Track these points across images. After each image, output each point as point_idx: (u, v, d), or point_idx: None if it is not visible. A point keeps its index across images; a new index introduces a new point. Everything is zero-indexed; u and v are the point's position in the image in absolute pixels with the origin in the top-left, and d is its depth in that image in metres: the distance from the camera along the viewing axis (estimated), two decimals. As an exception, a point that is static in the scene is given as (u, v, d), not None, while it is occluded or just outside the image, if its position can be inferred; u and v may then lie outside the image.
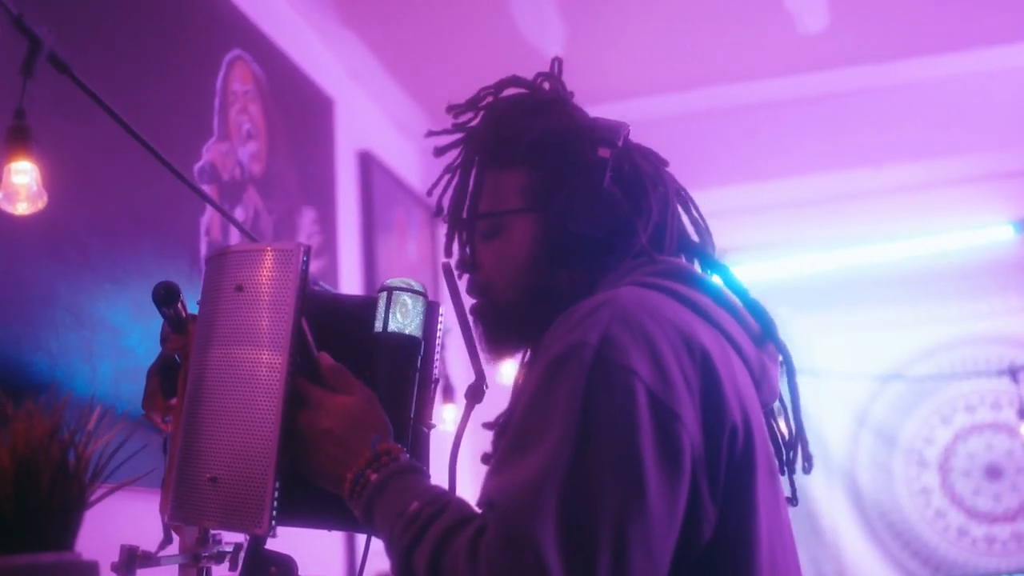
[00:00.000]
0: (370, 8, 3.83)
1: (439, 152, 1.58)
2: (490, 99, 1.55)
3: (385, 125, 4.51)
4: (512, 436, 1.22)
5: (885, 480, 5.07)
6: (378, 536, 1.33)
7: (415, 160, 4.69)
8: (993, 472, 4.99)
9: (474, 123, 1.54)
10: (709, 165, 4.70)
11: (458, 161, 1.54)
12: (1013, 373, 4.64)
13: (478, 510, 1.24)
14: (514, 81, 1.56)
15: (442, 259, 1.53)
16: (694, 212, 1.56)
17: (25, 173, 1.72)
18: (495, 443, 1.50)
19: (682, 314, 1.31)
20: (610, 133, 1.46)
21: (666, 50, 4.35)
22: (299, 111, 3.52)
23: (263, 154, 3.17)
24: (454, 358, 3.34)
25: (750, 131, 4.74)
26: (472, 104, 1.56)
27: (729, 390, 1.27)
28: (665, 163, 1.55)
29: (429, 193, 1.60)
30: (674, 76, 4.58)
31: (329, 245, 3.64)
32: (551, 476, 1.13)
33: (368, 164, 4.17)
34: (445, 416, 3.82)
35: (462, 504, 1.27)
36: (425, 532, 1.22)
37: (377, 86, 4.33)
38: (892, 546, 5.01)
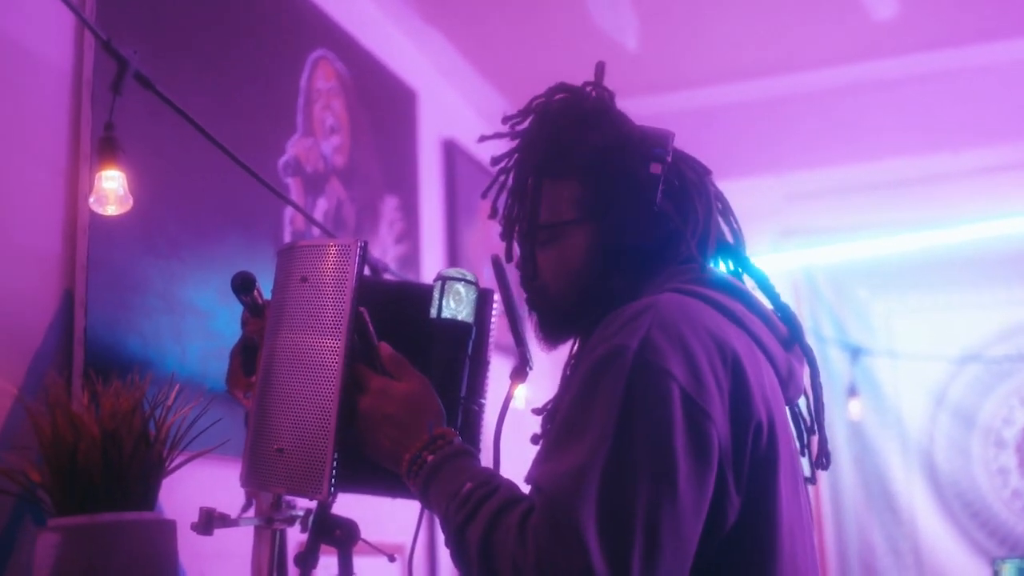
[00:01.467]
0: (451, 4, 3.93)
1: (495, 161, 1.69)
2: (541, 107, 1.64)
3: (468, 114, 4.56)
4: (559, 428, 1.34)
5: (962, 460, 5.04)
6: (432, 512, 1.45)
7: (497, 147, 4.70)
8: (1070, 453, 4.96)
9: (528, 131, 1.64)
10: (786, 149, 4.74)
11: (511, 166, 1.66)
12: (1091, 354, 4.60)
13: (525, 492, 1.36)
14: (562, 88, 1.65)
15: (490, 256, 1.66)
16: (731, 218, 1.66)
17: (113, 179, 1.92)
18: (544, 426, 1.64)
19: (716, 320, 1.42)
20: (659, 146, 1.54)
21: (739, 38, 4.38)
22: (382, 104, 3.62)
23: (346, 146, 3.29)
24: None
25: (825, 115, 4.74)
26: (526, 113, 1.66)
27: (756, 391, 1.38)
28: (708, 171, 1.64)
29: (484, 195, 1.71)
30: (749, 63, 4.61)
31: (412, 231, 3.72)
32: (592, 466, 1.24)
33: (452, 152, 4.23)
34: (516, 394, 3.88)
35: (511, 486, 1.38)
36: (478, 511, 1.32)
37: (459, 77, 4.41)
38: (969, 526, 4.98)
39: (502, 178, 1.68)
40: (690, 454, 1.27)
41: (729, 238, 1.66)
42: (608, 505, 1.22)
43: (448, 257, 4.13)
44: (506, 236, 1.66)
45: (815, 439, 1.64)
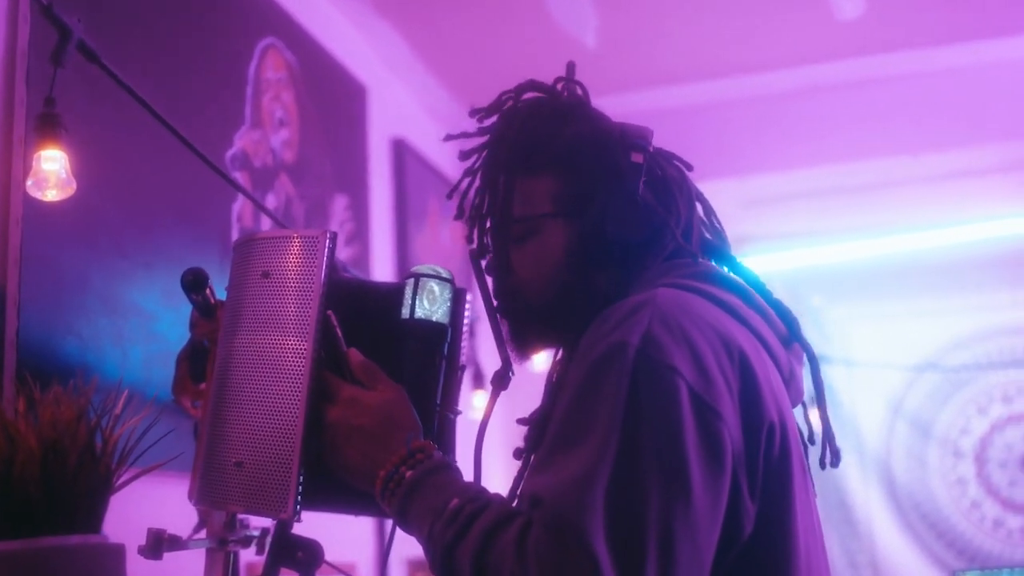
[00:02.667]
0: (404, -4, 3.84)
1: (465, 156, 1.59)
2: (511, 103, 1.56)
3: (419, 113, 4.51)
4: (556, 434, 1.24)
5: (920, 471, 5.05)
6: (410, 532, 1.34)
7: (449, 147, 4.67)
8: (1030, 463, 4.97)
9: (497, 127, 1.55)
10: (744, 152, 4.69)
11: (480, 165, 1.56)
12: (1052, 363, 4.61)
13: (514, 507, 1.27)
14: (533, 85, 1.57)
15: (468, 252, 1.56)
16: (713, 218, 1.59)
17: (54, 160, 1.74)
18: (528, 438, 1.51)
19: (718, 315, 1.34)
20: (640, 138, 1.47)
21: (701, 37, 4.33)
22: (332, 99, 3.53)
23: (295, 141, 3.19)
24: (485, 345, 3.35)
25: (785, 118, 4.70)
26: (494, 109, 1.57)
27: (766, 390, 1.29)
28: (689, 167, 1.57)
29: (450, 196, 1.61)
30: (709, 63, 4.56)
31: (361, 232, 3.65)
32: (599, 472, 1.15)
33: (401, 152, 4.17)
34: (475, 403, 3.83)
35: (503, 501, 1.29)
36: (468, 529, 1.22)
37: (411, 74, 4.33)
38: (927, 537, 4.99)
39: (469, 178, 1.58)
40: (703, 457, 1.19)
41: (712, 237, 1.58)
42: (617, 515, 1.13)
43: (398, 260, 4.07)
44: (477, 235, 1.56)
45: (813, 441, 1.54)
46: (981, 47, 4.45)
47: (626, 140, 1.47)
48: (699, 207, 1.55)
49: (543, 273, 1.48)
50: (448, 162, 4.65)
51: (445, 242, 4.47)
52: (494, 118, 1.56)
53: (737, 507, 1.23)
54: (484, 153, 1.55)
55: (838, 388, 5.10)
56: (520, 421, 1.56)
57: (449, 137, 1.65)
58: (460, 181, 1.59)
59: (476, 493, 1.29)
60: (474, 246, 1.54)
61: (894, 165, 4.70)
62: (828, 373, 4.98)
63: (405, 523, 1.34)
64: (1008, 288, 5.02)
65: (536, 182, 1.49)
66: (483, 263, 1.55)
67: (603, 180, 1.46)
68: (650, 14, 4.11)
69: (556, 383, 1.51)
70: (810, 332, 4.58)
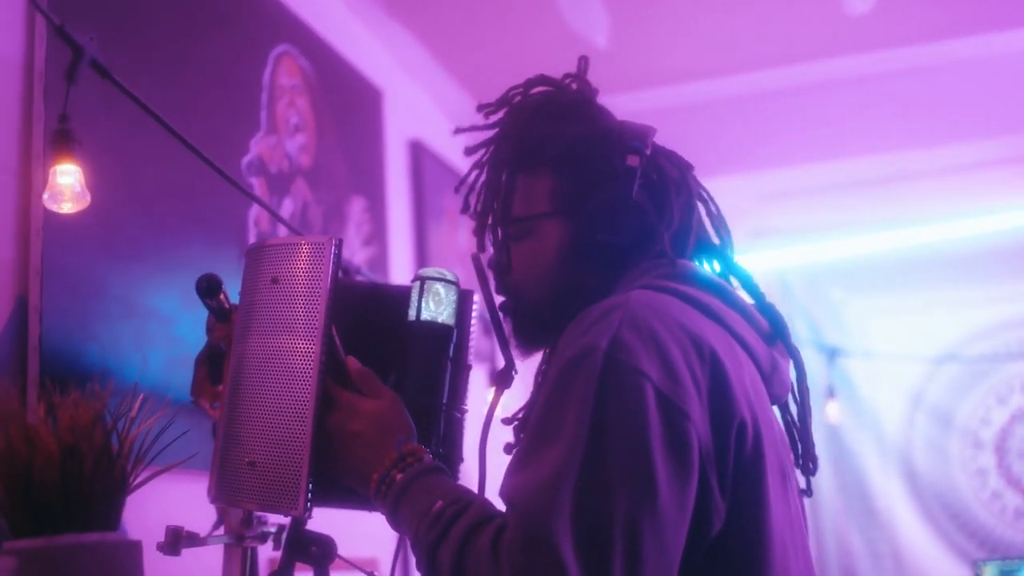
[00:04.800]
0: (418, 0, 3.86)
1: (470, 152, 1.62)
2: (519, 99, 1.58)
3: (435, 114, 4.50)
4: (529, 436, 1.27)
5: (941, 462, 5.03)
6: (403, 534, 1.38)
7: (470, 141, 4.65)
8: (1051, 454, 4.95)
9: (504, 123, 1.57)
10: (760, 148, 4.69)
11: (486, 159, 1.58)
12: (1071, 352, 4.58)
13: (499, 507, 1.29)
14: (542, 81, 1.59)
15: (471, 256, 1.57)
16: (716, 215, 1.60)
17: (69, 175, 1.79)
18: (516, 436, 1.56)
19: (690, 315, 1.35)
20: (638, 140, 1.48)
21: (713, 34, 4.33)
22: (347, 103, 3.54)
23: (311, 146, 3.21)
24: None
25: (799, 113, 4.69)
26: (502, 104, 1.59)
27: (737, 388, 1.31)
28: (690, 167, 1.57)
29: (457, 189, 1.64)
30: (721, 60, 4.55)
31: (379, 233, 3.66)
32: (565, 476, 1.18)
33: (418, 153, 4.18)
34: (490, 400, 3.82)
35: (484, 503, 1.31)
36: (449, 531, 1.26)
37: (426, 76, 4.34)
38: (948, 527, 4.97)
39: (475, 172, 1.61)
40: (668, 457, 1.20)
41: (712, 237, 1.60)
42: (584, 517, 1.16)
43: (417, 259, 4.08)
44: (479, 231, 1.58)
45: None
46: (993, 39, 4.42)
47: (623, 142, 1.48)
48: (700, 207, 1.56)
49: (537, 273, 1.51)
50: (465, 163, 4.65)
51: (462, 242, 4.48)
52: (502, 113, 1.59)
53: (707, 504, 1.24)
54: (491, 148, 1.58)
55: (858, 380, 5.10)
56: (505, 421, 1.60)
57: (459, 130, 1.68)
58: (467, 174, 1.61)
59: (459, 495, 1.32)
60: (479, 257, 1.55)
61: (911, 158, 4.69)
62: (848, 366, 5.01)
63: (396, 524, 1.39)
64: (1027, 279, 5.00)
65: (536, 180, 1.51)
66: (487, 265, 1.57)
67: (598, 182, 1.48)
68: (661, 12, 4.11)
69: (541, 382, 1.54)
70: (830, 325, 4.61)
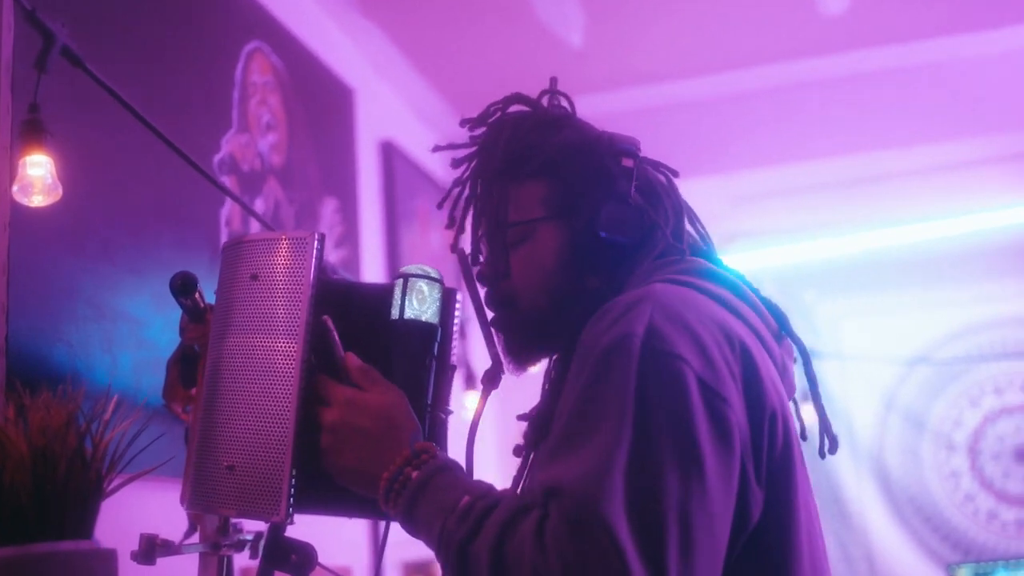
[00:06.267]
0: (390, -2, 3.82)
1: (456, 164, 1.59)
2: (499, 114, 1.57)
3: (407, 115, 4.49)
4: (565, 427, 1.24)
5: (913, 464, 5.05)
6: (417, 534, 1.33)
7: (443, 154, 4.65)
8: (1023, 455, 4.95)
9: (486, 137, 1.56)
10: (733, 149, 4.68)
11: (468, 175, 1.57)
12: (1043, 354, 4.60)
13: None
14: (520, 99, 1.58)
15: (459, 247, 1.55)
16: (697, 224, 1.60)
17: (40, 166, 1.73)
18: (528, 435, 1.51)
19: (714, 308, 1.35)
20: (629, 144, 1.50)
21: (687, 35, 4.32)
22: (319, 102, 3.51)
23: (283, 145, 3.17)
24: (477, 346, 3.34)
25: (775, 114, 4.69)
26: (482, 119, 1.58)
27: (767, 379, 1.30)
28: (675, 173, 1.58)
29: (440, 206, 1.62)
30: (697, 60, 4.55)
31: (351, 235, 3.62)
32: (615, 460, 1.15)
33: (390, 154, 4.15)
34: (467, 403, 3.82)
35: (514, 496, 1.28)
36: (482, 524, 1.22)
37: (398, 76, 4.32)
38: (921, 530, 4.98)
39: (458, 189, 1.59)
40: (714, 442, 1.20)
41: (698, 241, 1.59)
42: (637, 501, 1.14)
43: (389, 261, 4.05)
44: (471, 244, 1.56)
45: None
46: (968, 39, 4.45)
47: (615, 146, 1.49)
48: (687, 215, 1.56)
49: (536, 277, 1.49)
50: (437, 164, 4.64)
51: (434, 244, 4.46)
52: (481, 129, 1.57)
53: (746, 493, 1.24)
54: (473, 163, 1.56)
55: (831, 383, 5.09)
56: (520, 417, 1.56)
57: (437, 148, 1.67)
58: (450, 190, 1.59)
59: (486, 490, 1.29)
60: (465, 253, 1.54)
61: (882, 159, 4.70)
62: (821, 368, 5.00)
63: (412, 524, 1.33)
64: (998, 280, 5.02)
65: (525, 188, 1.50)
66: (475, 272, 1.55)
67: (594, 183, 1.48)
68: (636, 13, 4.09)
69: (555, 381, 1.51)
70: (802, 327, 4.59)
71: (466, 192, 1.57)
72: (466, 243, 1.58)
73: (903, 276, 5.10)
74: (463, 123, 1.60)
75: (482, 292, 1.54)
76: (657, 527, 1.13)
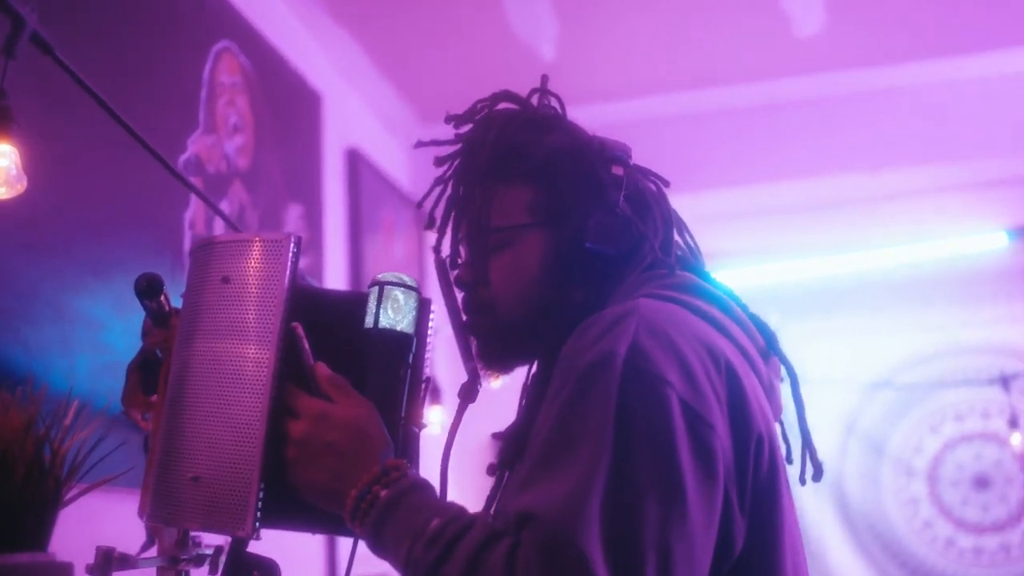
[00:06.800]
0: (360, 4, 3.77)
1: (440, 162, 1.53)
2: (487, 111, 1.51)
3: (373, 123, 4.45)
4: (542, 448, 1.18)
5: (873, 489, 5.04)
6: (384, 555, 1.27)
7: (403, 160, 4.64)
8: (982, 482, 4.97)
9: (473, 135, 1.50)
10: (700, 168, 4.66)
11: (451, 174, 1.51)
12: (1004, 382, 4.62)
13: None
14: (508, 96, 1.53)
15: (432, 256, 1.50)
16: (686, 235, 1.55)
17: (4, 156, 1.65)
18: (503, 453, 1.45)
19: (700, 326, 1.30)
20: (620, 150, 1.45)
21: (659, 51, 4.31)
22: (287, 106, 3.46)
23: (250, 148, 3.11)
24: (441, 358, 3.28)
25: (741, 134, 4.69)
26: (469, 116, 1.52)
27: (753, 401, 1.26)
28: (666, 183, 1.53)
29: (419, 205, 1.56)
30: (667, 77, 4.54)
31: (315, 243, 3.58)
32: (592, 487, 1.10)
33: (356, 162, 4.11)
34: (432, 419, 3.76)
35: (486, 520, 1.22)
36: (452, 550, 1.16)
37: (366, 83, 4.27)
38: (879, 557, 4.97)
39: (440, 187, 1.53)
40: (697, 469, 1.14)
41: (686, 253, 1.54)
42: (614, 530, 1.08)
43: (351, 271, 4.00)
44: (450, 246, 1.51)
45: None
46: (939, 66, 4.47)
47: (606, 152, 1.44)
48: (676, 226, 1.52)
49: (517, 286, 1.44)
50: (402, 174, 4.59)
51: (398, 254, 4.41)
52: (466, 127, 1.51)
53: (729, 522, 1.19)
54: (457, 161, 1.50)
55: (792, 406, 5.09)
56: (496, 436, 1.51)
57: (420, 144, 1.59)
58: (431, 189, 1.53)
59: (458, 513, 1.23)
60: (444, 256, 1.49)
61: (850, 182, 4.70)
62: (783, 391, 4.99)
63: (379, 545, 1.27)
64: (961, 307, 5.03)
65: (511, 192, 1.45)
66: (452, 275, 1.50)
67: (582, 191, 1.43)
68: (609, 27, 4.07)
69: (533, 396, 1.46)
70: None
71: (447, 192, 1.51)
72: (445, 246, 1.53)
73: (866, 300, 5.10)
74: (448, 119, 1.53)
75: (459, 297, 1.49)
76: (635, 560, 1.08)
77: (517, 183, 1.45)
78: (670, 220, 1.49)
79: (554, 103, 1.55)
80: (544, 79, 1.57)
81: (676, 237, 1.52)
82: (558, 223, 1.43)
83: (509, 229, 1.44)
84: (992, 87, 4.53)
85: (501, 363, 1.48)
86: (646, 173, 1.52)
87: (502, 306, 1.45)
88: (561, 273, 1.43)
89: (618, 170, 1.43)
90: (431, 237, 1.53)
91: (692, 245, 1.56)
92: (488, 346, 1.47)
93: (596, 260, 1.42)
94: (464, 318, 1.49)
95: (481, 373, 1.48)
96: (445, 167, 1.52)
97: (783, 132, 4.64)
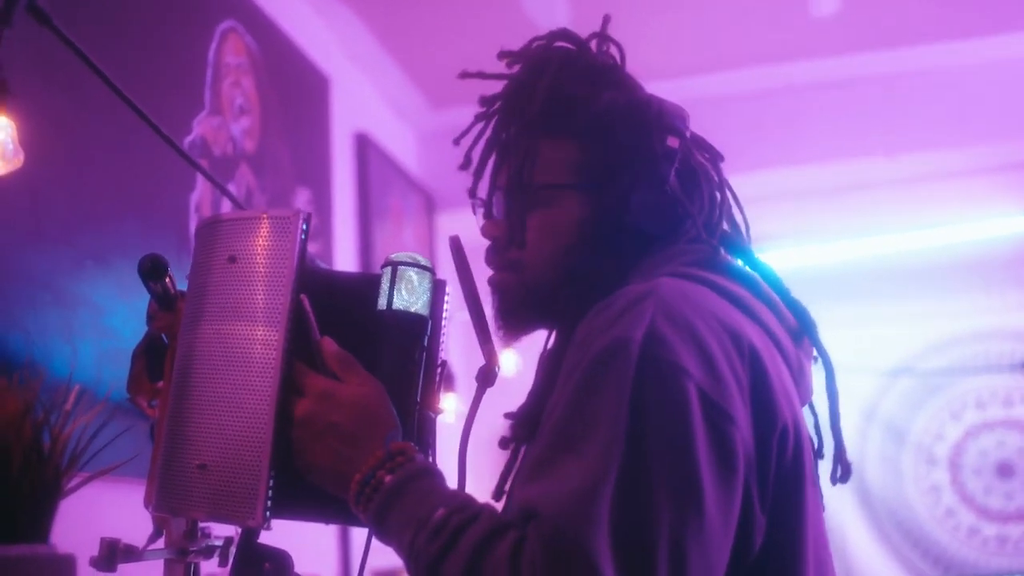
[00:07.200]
0: (369, -16, 3.72)
1: (485, 101, 1.44)
2: (542, 51, 1.42)
3: (382, 107, 4.41)
4: (552, 436, 1.13)
5: (894, 477, 5.01)
6: (388, 542, 1.22)
7: (413, 145, 4.60)
8: (1005, 470, 4.93)
9: (523, 75, 1.41)
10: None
11: (497, 111, 1.42)
12: (1026, 368, 4.57)
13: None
14: (566, 35, 1.45)
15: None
16: (737, 206, 1.48)
17: (0, 129, 1.59)
18: (517, 427, 1.38)
19: (725, 308, 1.23)
20: (679, 119, 1.37)
21: (674, 34, 4.26)
22: (294, 88, 3.41)
23: (256, 130, 3.06)
24: (453, 345, 3.23)
25: (758, 117, 4.65)
26: (523, 55, 1.43)
27: (778, 388, 1.19)
28: (721, 156, 1.45)
29: (457, 142, 1.47)
30: (682, 61, 4.49)
31: (324, 228, 3.54)
32: (602, 482, 1.05)
33: (364, 147, 4.07)
34: (445, 406, 3.71)
35: (493, 512, 1.16)
36: (456, 542, 1.11)
37: (375, 66, 4.22)
38: (901, 545, 4.94)
39: (480, 125, 1.44)
40: (715, 465, 1.08)
41: (735, 230, 1.48)
42: (625, 529, 1.03)
43: (361, 257, 3.97)
44: (489, 191, 1.42)
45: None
46: (959, 47, 4.42)
47: (664, 119, 1.35)
48: (724, 195, 1.44)
49: (549, 248, 1.37)
50: (412, 159, 4.55)
51: (408, 240, 4.37)
52: (520, 67, 1.42)
53: (749, 519, 1.13)
54: (506, 101, 1.41)
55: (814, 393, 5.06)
56: (508, 415, 1.44)
57: (466, 75, 1.49)
58: (472, 125, 1.45)
59: (463, 502, 1.17)
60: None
61: (869, 166, 4.66)
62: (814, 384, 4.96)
63: (383, 532, 1.22)
64: (983, 292, 4.98)
65: (557, 147, 1.37)
66: (479, 223, 1.42)
67: (633, 159, 1.34)
68: (622, 9, 4.00)
69: (549, 370, 1.37)
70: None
71: (488, 133, 1.42)
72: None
73: (887, 286, 5.05)
74: (501, 55, 1.44)
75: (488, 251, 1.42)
76: (645, 561, 1.02)
77: (564, 138, 1.37)
78: (719, 198, 1.41)
79: (613, 51, 1.46)
80: (606, 19, 1.48)
81: (726, 210, 1.44)
82: (601, 189, 1.35)
83: (550, 187, 1.36)
84: (1013, 68, 4.48)
85: (518, 325, 1.42)
86: (701, 144, 1.44)
87: (530, 267, 1.38)
88: (595, 243, 1.35)
89: (673, 142, 1.34)
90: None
91: (742, 217, 1.48)
92: (509, 305, 1.41)
93: (634, 235, 1.35)
94: (481, 304, 1.42)
95: (496, 333, 1.41)
96: (491, 106, 1.44)
97: (799, 116, 4.60)
